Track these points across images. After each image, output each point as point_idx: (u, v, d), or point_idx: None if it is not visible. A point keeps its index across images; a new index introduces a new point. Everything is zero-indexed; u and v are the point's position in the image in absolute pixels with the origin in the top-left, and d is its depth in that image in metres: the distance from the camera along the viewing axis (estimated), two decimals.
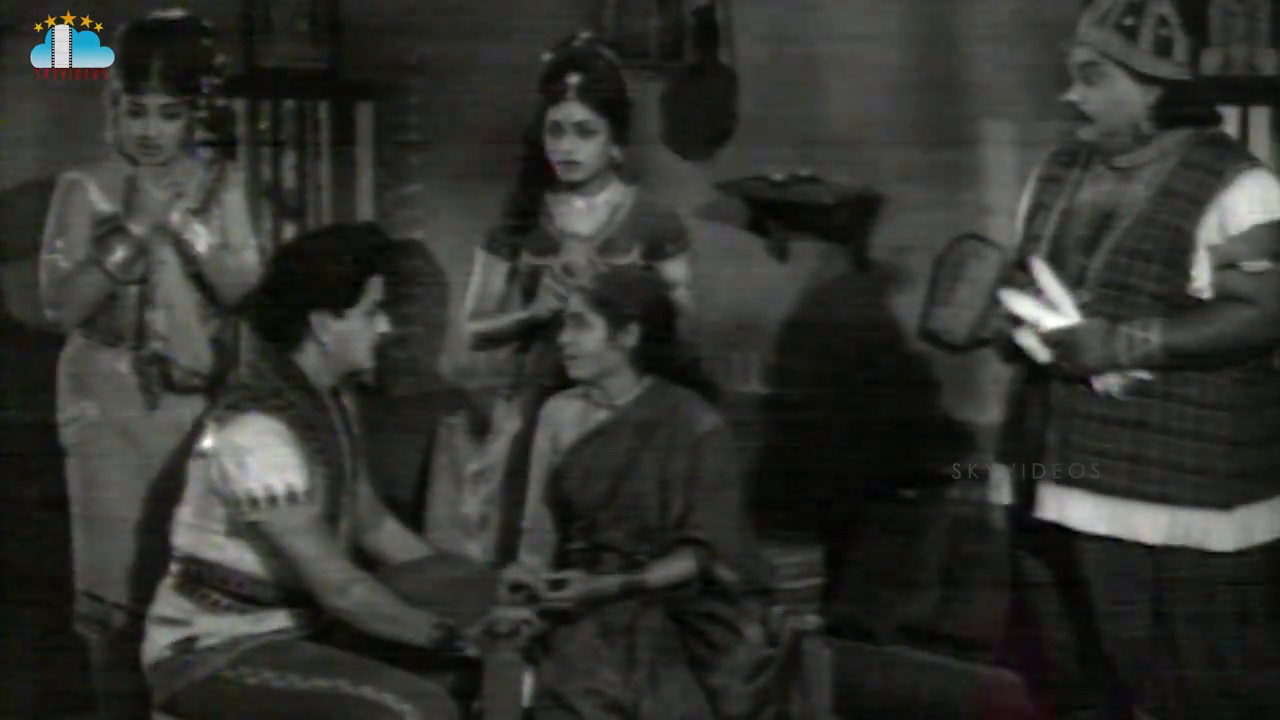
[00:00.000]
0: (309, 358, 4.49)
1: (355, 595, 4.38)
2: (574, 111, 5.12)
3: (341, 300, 4.46)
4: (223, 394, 4.57)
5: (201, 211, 5.18)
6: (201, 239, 5.14)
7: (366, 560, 4.69)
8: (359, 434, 4.64)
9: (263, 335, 4.55)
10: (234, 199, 5.27)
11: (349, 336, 4.49)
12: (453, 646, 4.38)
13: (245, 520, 4.39)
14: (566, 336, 4.88)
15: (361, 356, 4.51)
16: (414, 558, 4.72)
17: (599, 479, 4.84)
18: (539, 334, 5.19)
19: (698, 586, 4.76)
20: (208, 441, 4.45)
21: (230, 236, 5.22)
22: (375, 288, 4.51)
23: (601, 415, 4.92)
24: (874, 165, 6.28)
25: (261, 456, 4.37)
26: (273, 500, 4.36)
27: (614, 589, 4.72)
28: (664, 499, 4.81)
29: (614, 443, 4.87)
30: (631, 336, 4.87)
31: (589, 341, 4.86)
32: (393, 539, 4.75)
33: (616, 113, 5.16)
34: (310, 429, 4.44)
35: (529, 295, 5.22)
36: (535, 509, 4.97)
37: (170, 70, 5.05)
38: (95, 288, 5.10)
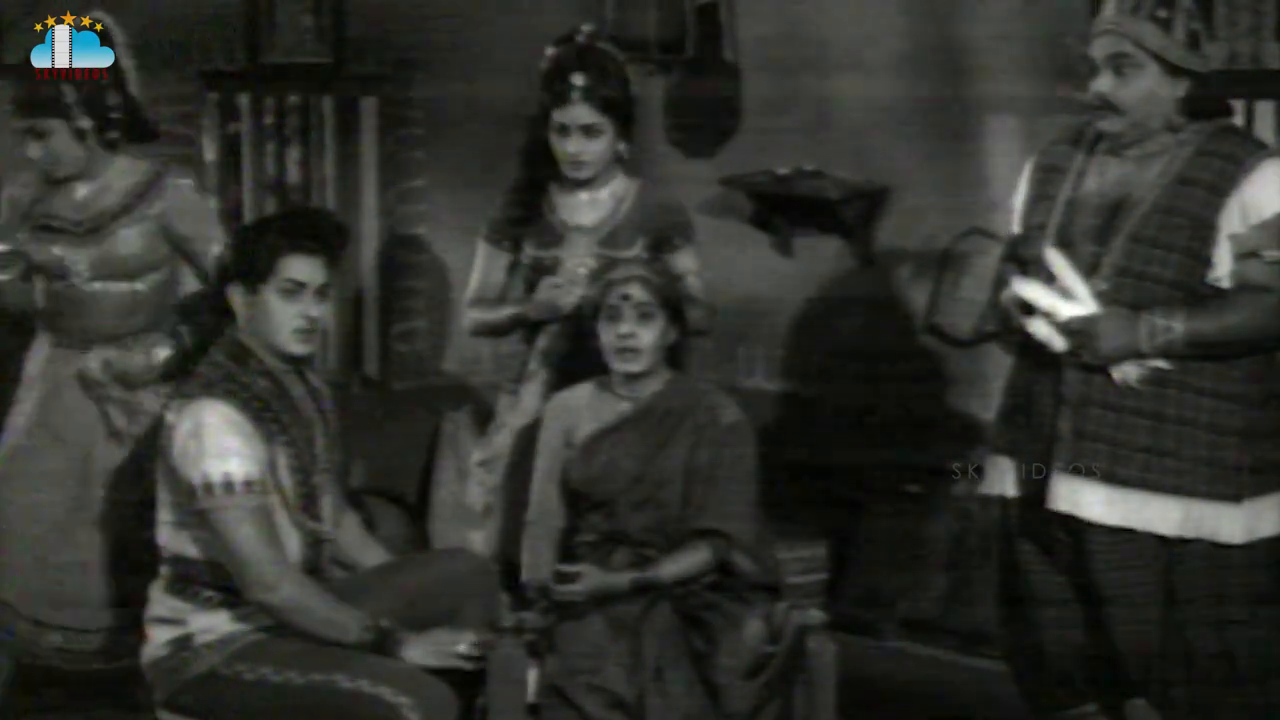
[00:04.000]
0: (249, 337, 4.48)
1: (284, 592, 4.33)
2: (580, 114, 5.08)
3: (252, 274, 4.45)
4: (181, 385, 4.54)
5: (124, 214, 5.17)
6: (126, 243, 5.13)
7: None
8: (335, 418, 4.61)
9: (189, 310, 4.66)
10: (186, 198, 5.24)
11: (264, 313, 4.45)
12: (384, 648, 4.35)
13: (193, 509, 4.36)
14: (626, 328, 4.84)
15: (281, 337, 4.46)
16: (367, 559, 4.69)
17: (622, 469, 4.82)
18: (539, 328, 5.19)
19: (709, 579, 4.75)
20: (164, 434, 4.44)
21: (192, 234, 5.20)
22: (298, 268, 4.45)
23: (624, 407, 4.91)
24: (879, 159, 6.27)
25: (203, 443, 4.34)
26: (209, 488, 4.32)
27: (625, 586, 4.69)
28: (687, 489, 4.81)
29: (638, 433, 4.86)
30: (674, 332, 4.89)
31: (651, 335, 4.86)
32: (349, 537, 4.72)
33: (622, 111, 5.13)
34: (268, 409, 4.42)
35: (532, 287, 5.21)
36: (541, 502, 4.95)
37: (32, 97, 5.05)
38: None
